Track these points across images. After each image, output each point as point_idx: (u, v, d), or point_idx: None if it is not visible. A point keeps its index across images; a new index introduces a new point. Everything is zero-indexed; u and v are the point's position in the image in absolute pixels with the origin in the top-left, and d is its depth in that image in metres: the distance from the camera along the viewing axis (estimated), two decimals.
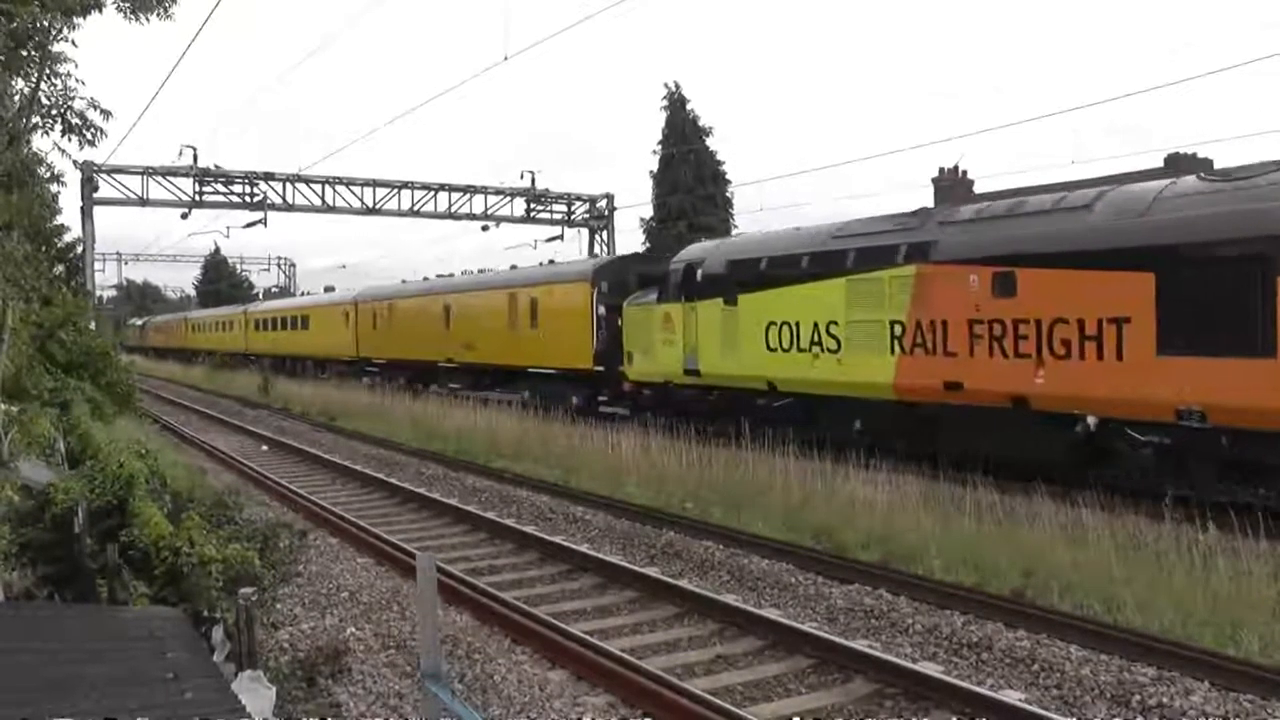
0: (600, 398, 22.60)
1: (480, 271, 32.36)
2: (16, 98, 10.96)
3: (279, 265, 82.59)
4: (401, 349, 33.21)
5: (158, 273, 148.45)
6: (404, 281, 37.57)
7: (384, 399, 26.87)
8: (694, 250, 19.74)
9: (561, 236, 41.21)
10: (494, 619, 8.05)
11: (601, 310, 22.01)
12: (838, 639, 7.37)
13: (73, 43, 10.64)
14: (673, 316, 18.92)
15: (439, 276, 34.20)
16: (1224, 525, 9.12)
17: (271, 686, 5.32)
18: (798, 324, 16.04)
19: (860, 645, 7.26)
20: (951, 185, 31.08)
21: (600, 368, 21.77)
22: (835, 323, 15.29)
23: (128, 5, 10.41)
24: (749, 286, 17.22)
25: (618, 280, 22.46)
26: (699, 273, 18.49)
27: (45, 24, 10.27)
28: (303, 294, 62.67)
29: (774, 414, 16.47)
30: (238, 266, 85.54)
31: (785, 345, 16.31)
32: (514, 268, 30.31)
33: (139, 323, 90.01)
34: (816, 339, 15.68)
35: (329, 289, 62.76)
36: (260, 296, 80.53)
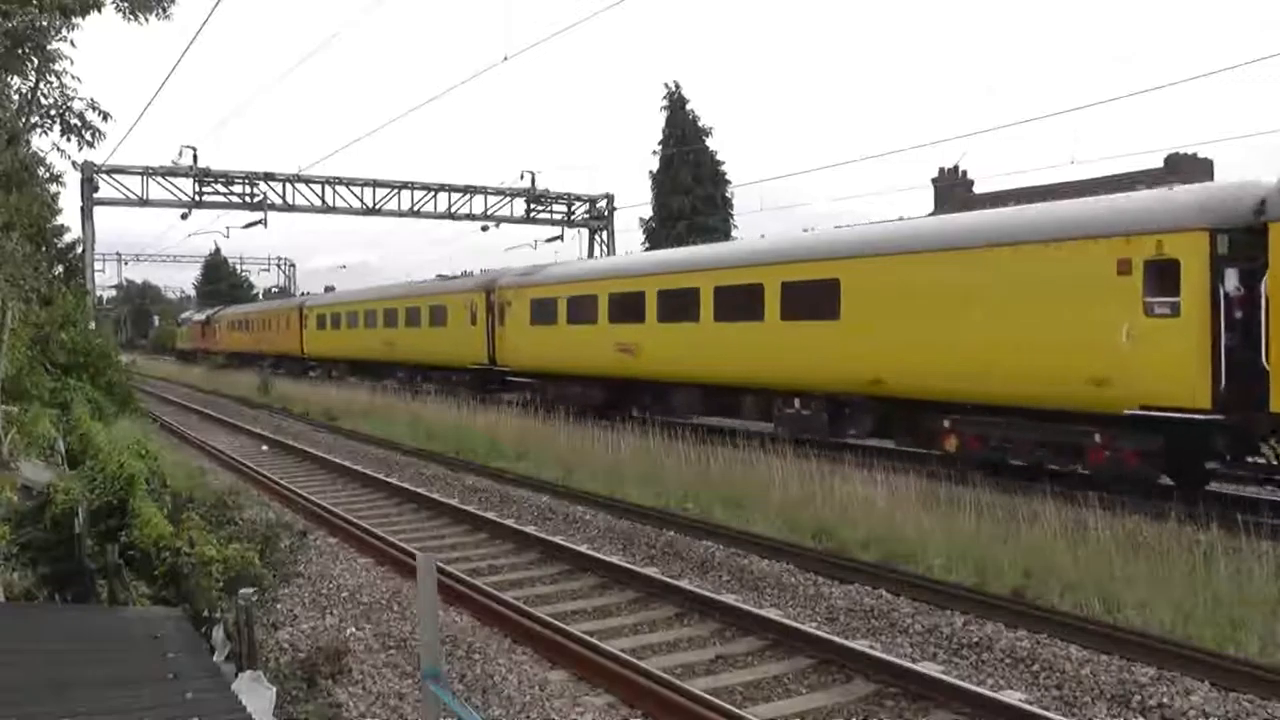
0: None
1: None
2: (15, 97, 10.98)
3: (279, 265, 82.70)
4: None
5: (158, 273, 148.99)
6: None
7: (384, 399, 26.82)
8: None
9: (561, 237, 41.32)
10: (494, 619, 8.05)
11: None
12: (838, 639, 7.37)
13: (71, 43, 10.67)
14: None
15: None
16: (1225, 525, 9.13)
17: (271, 686, 5.32)
18: None
19: (860, 645, 7.26)
20: (951, 185, 31.10)
21: None
22: None
23: (126, 5, 10.43)
24: None
25: None
26: None
27: (44, 24, 10.28)
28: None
29: None
30: (238, 266, 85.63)
31: None
32: None
33: (200, 317, 67.14)
34: None
35: (329, 288, 61.92)
36: (260, 296, 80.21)
